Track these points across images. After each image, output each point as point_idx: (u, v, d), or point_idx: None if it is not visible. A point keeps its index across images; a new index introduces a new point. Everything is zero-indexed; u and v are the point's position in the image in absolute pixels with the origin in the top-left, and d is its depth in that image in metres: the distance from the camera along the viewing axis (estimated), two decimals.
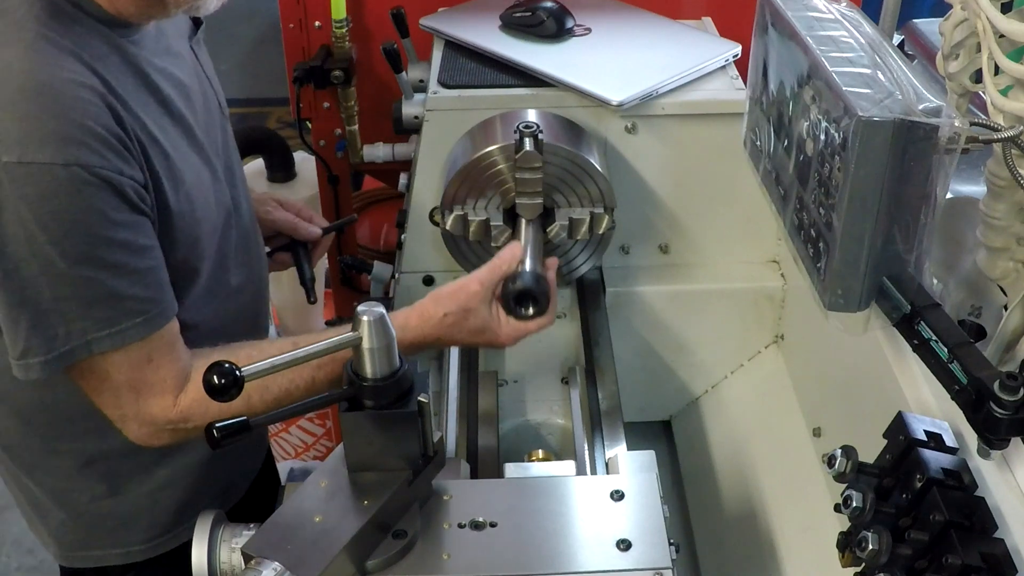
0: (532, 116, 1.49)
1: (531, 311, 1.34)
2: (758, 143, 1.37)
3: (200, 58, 1.40)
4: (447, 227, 1.48)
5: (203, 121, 1.34)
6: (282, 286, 2.85)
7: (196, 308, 1.30)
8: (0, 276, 1.11)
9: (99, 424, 1.29)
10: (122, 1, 1.16)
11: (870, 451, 1.00)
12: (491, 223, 1.46)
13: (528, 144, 1.39)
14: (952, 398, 0.94)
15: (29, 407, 1.22)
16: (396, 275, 1.71)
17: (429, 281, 1.68)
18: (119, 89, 1.15)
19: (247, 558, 0.93)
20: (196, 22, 1.42)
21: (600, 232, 1.48)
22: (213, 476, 1.46)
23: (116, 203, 1.12)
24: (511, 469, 1.22)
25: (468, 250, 1.50)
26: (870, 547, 0.91)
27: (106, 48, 1.17)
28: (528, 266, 1.37)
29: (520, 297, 1.34)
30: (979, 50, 1.10)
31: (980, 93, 1.16)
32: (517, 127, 1.41)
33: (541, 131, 1.40)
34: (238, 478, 1.55)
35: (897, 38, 2.28)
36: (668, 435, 1.81)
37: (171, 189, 1.21)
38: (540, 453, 1.40)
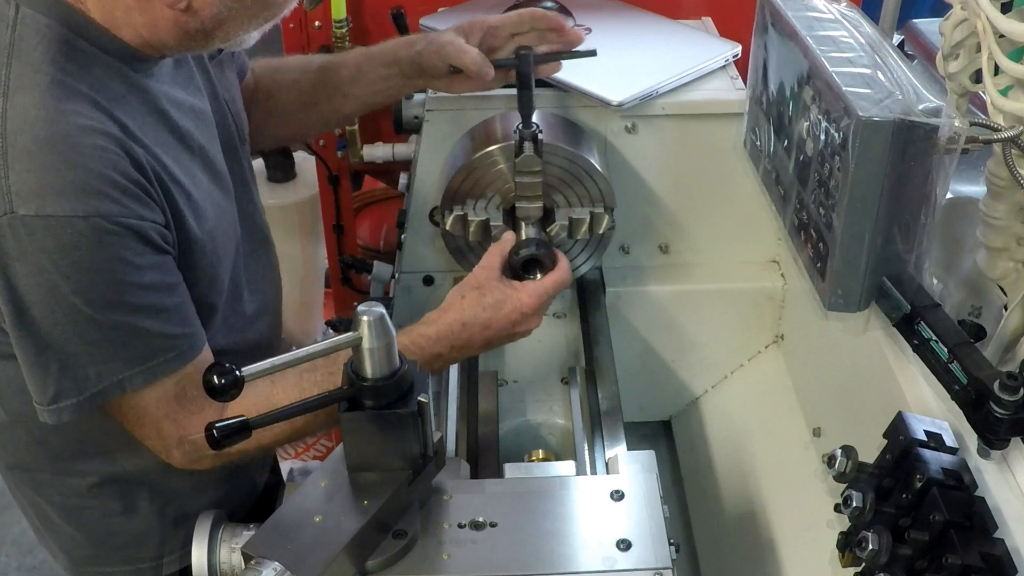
0: (532, 116, 1.49)
1: (540, 276, 1.37)
2: (758, 143, 1.37)
3: (219, 81, 1.36)
4: (447, 227, 1.47)
5: (221, 146, 1.32)
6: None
7: (213, 340, 1.28)
8: (24, 325, 1.10)
9: (112, 446, 1.29)
10: (162, 35, 1.13)
11: (870, 451, 1.00)
12: (491, 223, 1.46)
13: (528, 148, 1.39)
14: (952, 398, 0.94)
15: (44, 429, 1.20)
16: (396, 275, 1.71)
17: (429, 281, 1.68)
18: (138, 132, 1.13)
19: (247, 558, 0.93)
20: None
21: (600, 232, 1.48)
22: (222, 489, 1.44)
23: (140, 248, 1.10)
24: (511, 469, 1.22)
25: (468, 250, 1.50)
26: (870, 547, 0.91)
27: (124, 88, 1.14)
28: (526, 235, 1.39)
29: (527, 265, 1.37)
30: (979, 50, 1.11)
31: (980, 93, 1.16)
32: (517, 128, 1.41)
33: (541, 131, 1.40)
34: (247, 491, 1.53)
35: (897, 38, 2.28)
36: (668, 435, 1.81)
37: (196, 227, 1.20)
38: (540, 453, 1.40)
